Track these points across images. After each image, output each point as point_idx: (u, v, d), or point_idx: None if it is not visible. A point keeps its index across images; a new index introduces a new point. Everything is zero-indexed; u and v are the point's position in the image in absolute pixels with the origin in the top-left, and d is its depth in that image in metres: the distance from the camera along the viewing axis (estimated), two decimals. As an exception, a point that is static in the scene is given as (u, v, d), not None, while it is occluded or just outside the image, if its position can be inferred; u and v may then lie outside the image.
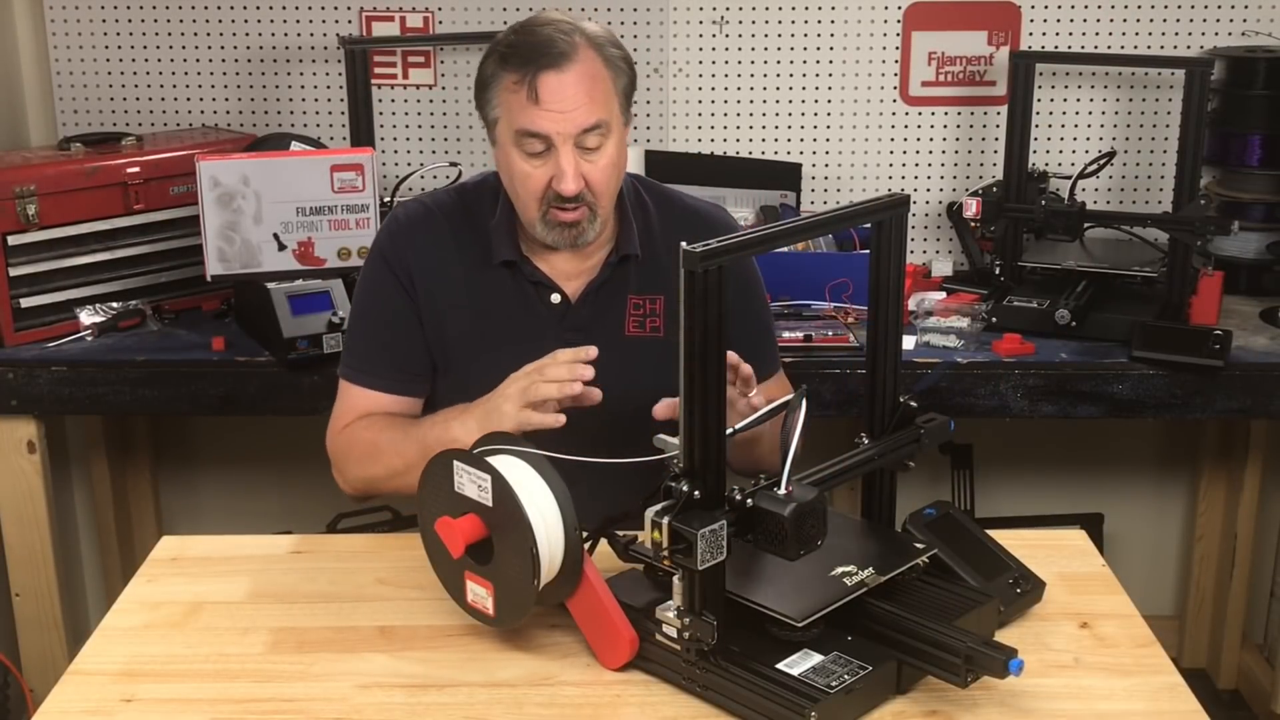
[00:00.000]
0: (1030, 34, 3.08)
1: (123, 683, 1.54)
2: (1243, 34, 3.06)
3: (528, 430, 1.75)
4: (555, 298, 2.00)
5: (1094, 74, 3.10)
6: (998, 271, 2.82)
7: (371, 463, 1.97)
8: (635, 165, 2.94)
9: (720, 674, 1.44)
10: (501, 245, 1.98)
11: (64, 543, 2.87)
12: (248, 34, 3.08)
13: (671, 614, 1.45)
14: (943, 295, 2.85)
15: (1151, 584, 3.39)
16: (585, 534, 1.53)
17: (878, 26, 3.09)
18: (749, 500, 1.40)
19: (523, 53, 1.86)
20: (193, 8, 3.06)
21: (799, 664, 1.44)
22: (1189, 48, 3.07)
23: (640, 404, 1.78)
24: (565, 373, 1.76)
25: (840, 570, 1.52)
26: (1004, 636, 1.53)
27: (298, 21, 3.07)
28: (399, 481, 1.93)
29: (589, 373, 1.76)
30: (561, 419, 1.76)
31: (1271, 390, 2.56)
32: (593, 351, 1.78)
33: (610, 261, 2.00)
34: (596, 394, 1.78)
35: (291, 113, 3.11)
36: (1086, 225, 2.80)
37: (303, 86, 3.11)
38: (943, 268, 3.01)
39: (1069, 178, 2.90)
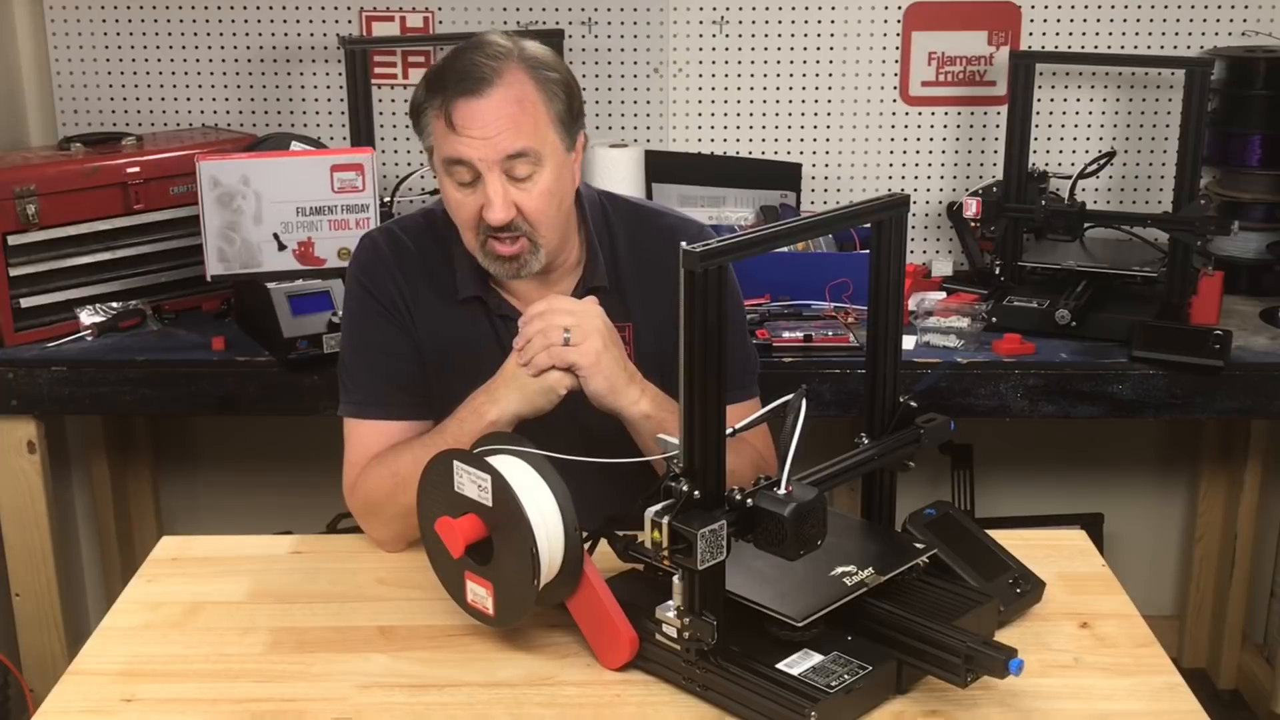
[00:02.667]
0: (1030, 34, 3.08)
1: (123, 683, 1.54)
2: (1243, 34, 3.06)
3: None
4: None
5: (1094, 74, 3.10)
6: (998, 271, 2.81)
7: (401, 494, 1.74)
8: (635, 165, 2.93)
9: (720, 674, 1.44)
10: (467, 280, 1.92)
11: (64, 543, 2.86)
12: (248, 34, 3.07)
13: (671, 614, 1.44)
14: (943, 295, 2.84)
15: (1151, 584, 3.39)
16: (585, 534, 1.53)
17: (878, 26, 3.09)
18: (749, 500, 1.40)
19: (444, 79, 1.80)
20: (193, 8, 3.06)
21: (799, 664, 1.44)
22: (1189, 48, 3.07)
23: (619, 427, 1.79)
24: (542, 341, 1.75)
25: (840, 570, 1.52)
26: (1004, 636, 1.53)
27: (298, 21, 3.07)
28: None
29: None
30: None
31: (1271, 390, 2.56)
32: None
33: (577, 294, 1.93)
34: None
35: (291, 113, 3.11)
36: (1086, 225, 2.80)
37: (303, 86, 3.11)
38: (943, 268, 3.01)
39: (1069, 178, 2.90)
